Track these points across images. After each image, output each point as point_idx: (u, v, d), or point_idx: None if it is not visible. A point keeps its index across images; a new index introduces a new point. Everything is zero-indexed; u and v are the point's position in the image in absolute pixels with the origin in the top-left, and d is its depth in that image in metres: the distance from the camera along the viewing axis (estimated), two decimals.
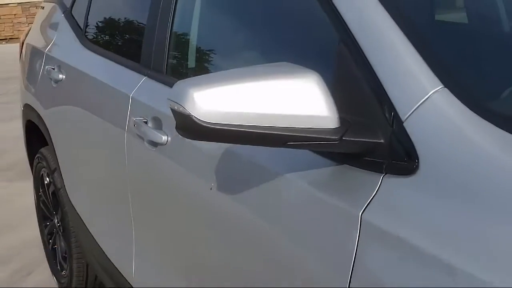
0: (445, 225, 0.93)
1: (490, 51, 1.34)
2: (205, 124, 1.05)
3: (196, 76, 1.14)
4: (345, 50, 1.15)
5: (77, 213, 2.55)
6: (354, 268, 1.03)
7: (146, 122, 1.77)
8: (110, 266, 2.24)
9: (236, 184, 1.39)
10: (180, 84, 1.09)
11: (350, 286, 1.03)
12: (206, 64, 1.85)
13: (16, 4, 16.18)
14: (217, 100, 1.05)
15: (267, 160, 1.31)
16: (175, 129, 1.58)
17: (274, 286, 1.27)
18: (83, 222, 2.49)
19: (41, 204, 3.18)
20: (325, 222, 1.12)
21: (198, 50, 1.84)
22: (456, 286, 0.87)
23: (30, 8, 16.14)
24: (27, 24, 16.17)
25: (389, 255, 0.99)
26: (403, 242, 0.97)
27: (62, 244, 2.94)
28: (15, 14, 16.18)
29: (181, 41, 1.87)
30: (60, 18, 2.82)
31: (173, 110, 1.10)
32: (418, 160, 1.01)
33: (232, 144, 1.39)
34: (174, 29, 1.83)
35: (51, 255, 3.15)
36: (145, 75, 1.91)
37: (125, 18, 2.42)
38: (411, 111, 1.03)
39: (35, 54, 3.01)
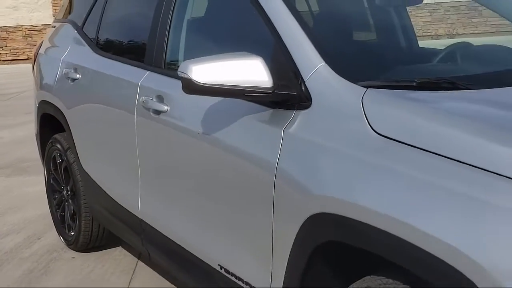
0: (325, 131, 1.83)
1: (353, 42, 2.30)
2: (199, 84, 1.94)
3: (195, 58, 2.02)
4: (277, 46, 2.07)
5: (90, 177, 3.37)
6: (279, 157, 1.93)
7: (151, 99, 2.63)
8: (118, 208, 3.07)
9: (214, 128, 2.27)
10: (185, 62, 1.99)
11: (277, 167, 1.92)
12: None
13: None
14: (206, 70, 1.94)
15: (231, 112, 2.19)
16: (173, 101, 2.49)
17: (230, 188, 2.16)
18: (96, 182, 3.31)
19: (51, 181, 3.96)
20: (265, 137, 2.02)
21: (187, 50, 2.71)
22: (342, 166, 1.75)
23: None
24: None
25: (300, 150, 1.88)
26: (307, 141, 1.86)
27: (71, 208, 3.74)
28: None
29: (175, 45, 2.73)
30: (73, 33, 3.65)
31: (181, 77, 1.99)
32: (311, 101, 1.92)
33: (209, 105, 2.28)
34: (170, 36, 2.69)
35: (58, 221, 3.93)
36: (149, 70, 2.77)
37: (130, 30, 3.27)
38: (309, 76, 1.95)
39: (50, 61, 3.82)
